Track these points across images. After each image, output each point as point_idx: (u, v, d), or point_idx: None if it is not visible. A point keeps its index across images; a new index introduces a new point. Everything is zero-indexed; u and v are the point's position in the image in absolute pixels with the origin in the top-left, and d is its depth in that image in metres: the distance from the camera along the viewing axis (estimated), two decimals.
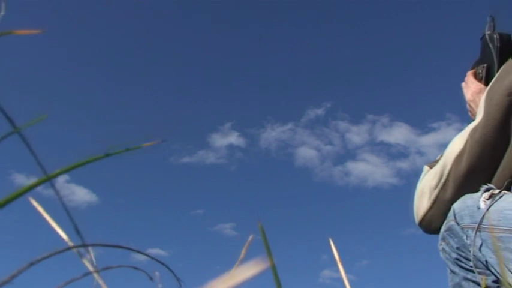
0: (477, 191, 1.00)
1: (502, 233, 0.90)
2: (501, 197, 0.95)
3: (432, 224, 1.08)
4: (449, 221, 1.02)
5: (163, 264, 0.32)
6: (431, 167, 1.12)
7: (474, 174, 1.02)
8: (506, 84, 1.01)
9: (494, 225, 0.92)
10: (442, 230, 1.04)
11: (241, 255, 0.38)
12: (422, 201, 1.10)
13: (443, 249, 1.05)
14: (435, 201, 1.07)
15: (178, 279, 0.33)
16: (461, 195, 1.02)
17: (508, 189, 0.98)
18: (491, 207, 0.93)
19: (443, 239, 1.04)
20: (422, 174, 1.14)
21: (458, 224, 0.99)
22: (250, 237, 0.39)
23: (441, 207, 1.06)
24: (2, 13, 0.30)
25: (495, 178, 1.01)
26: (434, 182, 1.07)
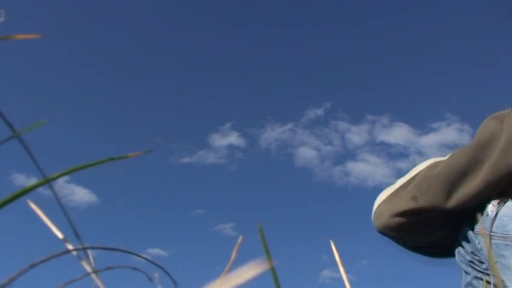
0: (438, 196, 1.04)
1: (498, 239, 0.94)
2: (505, 203, 0.97)
3: (382, 216, 1.10)
4: (465, 227, 1.05)
5: (159, 267, 0.32)
6: None
7: (441, 181, 1.04)
8: (500, 112, 1.05)
9: (493, 232, 0.96)
10: (460, 235, 1.07)
11: (232, 257, 0.38)
12: (384, 193, 1.13)
13: (458, 252, 1.08)
14: (395, 191, 1.10)
15: (175, 283, 0.33)
16: (421, 196, 1.05)
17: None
18: (497, 214, 0.96)
19: (459, 243, 1.07)
20: None
21: (472, 229, 1.03)
22: (240, 238, 0.39)
23: (399, 198, 1.08)
24: (2, 19, 0.30)
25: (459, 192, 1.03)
26: (401, 179, 1.12)
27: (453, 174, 1.03)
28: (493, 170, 0.98)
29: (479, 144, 1.02)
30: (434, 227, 1.09)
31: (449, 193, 1.03)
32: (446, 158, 1.08)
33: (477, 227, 1.01)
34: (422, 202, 1.05)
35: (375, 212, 1.12)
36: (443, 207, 1.03)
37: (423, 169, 1.09)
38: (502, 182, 0.99)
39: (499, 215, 0.96)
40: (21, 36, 0.30)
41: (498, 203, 0.98)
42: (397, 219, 1.08)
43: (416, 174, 1.09)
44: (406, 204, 1.06)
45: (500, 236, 0.94)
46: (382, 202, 1.11)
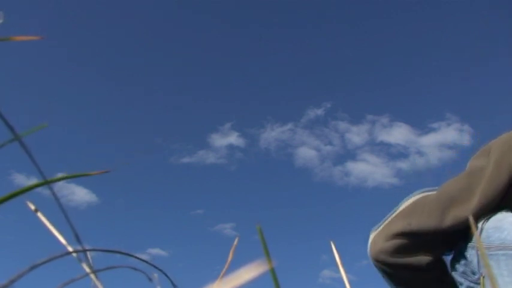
0: (432, 220, 1.08)
1: (487, 249, 1.00)
2: (492, 217, 1.04)
3: (377, 242, 1.13)
4: (460, 242, 1.10)
5: (158, 269, 0.32)
6: None
7: (434, 205, 1.09)
8: (486, 145, 1.14)
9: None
10: (455, 250, 1.12)
11: (229, 258, 0.38)
12: (377, 226, 1.17)
13: (453, 265, 1.12)
14: (388, 221, 1.14)
15: (174, 285, 0.33)
16: (415, 220, 1.09)
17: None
18: (485, 227, 1.03)
19: (455, 257, 1.12)
20: None
21: (465, 244, 1.08)
22: (236, 240, 0.39)
23: (393, 223, 1.12)
24: (1, 21, 0.30)
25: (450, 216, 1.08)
26: (392, 212, 1.16)
27: (447, 199, 1.08)
28: (485, 193, 1.05)
29: (471, 173, 1.09)
30: (433, 246, 1.13)
31: (442, 217, 1.07)
32: (437, 188, 1.13)
33: (470, 242, 1.07)
34: (415, 225, 1.09)
35: (370, 243, 1.15)
36: (437, 229, 1.08)
37: (415, 198, 1.14)
38: (493, 203, 1.05)
39: (485, 227, 1.02)
40: (21, 38, 0.30)
41: (487, 217, 1.04)
42: (393, 241, 1.11)
43: (408, 204, 1.13)
44: (400, 226, 1.10)
45: (485, 248, 1.00)
46: (376, 233, 1.15)
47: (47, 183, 0.27)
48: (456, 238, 1.10)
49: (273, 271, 0.26)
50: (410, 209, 1.11)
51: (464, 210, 1.06)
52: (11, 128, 0.28)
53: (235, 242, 0.39)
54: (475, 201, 1.05)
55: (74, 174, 0.28)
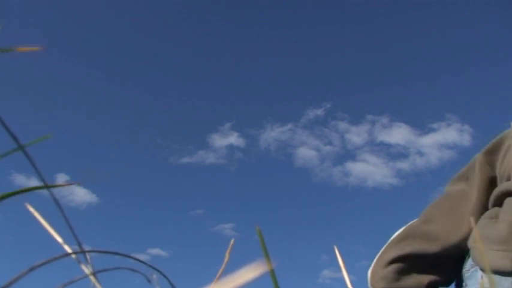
0: (422, 243, 1.12)
1: (467, 273, 1.04)
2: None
3: (376, 272, 1.14)
4: (461, 266, 1.13)
5: (157, 270, 0.32)
6: None
7: (422, 229, 1.12)
8: (463, 170, 1.17)
9: (467, 267, 1.06)
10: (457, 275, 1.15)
11: (226, 259, 0.38)
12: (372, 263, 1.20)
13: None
14: (381, 253, 1.17)
15: (172, 285, 0.33)
16: (407, 245, 1.12)
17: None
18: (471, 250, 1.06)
19: (457, 282, 1.15)
20: None
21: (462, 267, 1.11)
22: (232, 241, 0.39)
23: (387, 252, 1.14)
24: None
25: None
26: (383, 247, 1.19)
27: (431, 224, 1.11)
28: (472, 215, 1.07)
29: (451, 197, 1.13)
30: (431, 269, 1.14)
31: (433, 240, 1.10)
32: (420, 216, 1.16)
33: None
34: (410, 249, 1.11)
35: (370, 276, 1.17)
36: (431, 252, 1.10)
37: (404, 228, 1.16)
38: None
39: (471, 250, 1.04)
40: (23, 49, 0.30)
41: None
42: (391, 267, 1.12)
43: (399, 233, 1.16)
44: (395, 252, 1.12)
45: (467, 270, 1.04)
46: (372, 266, 1.17)
47: (47, 187, 0.27)
48: (455, 262, 1.12)
49: (272, 271, 0.26)
50: (402, 236, 1.14)
51: (454, 235, 1.08)
52: (14, 138, 0.28)
53: (231, 244, 0.39)
54: (465, 228, 1.07)
55: (74, 181, 0.28)
